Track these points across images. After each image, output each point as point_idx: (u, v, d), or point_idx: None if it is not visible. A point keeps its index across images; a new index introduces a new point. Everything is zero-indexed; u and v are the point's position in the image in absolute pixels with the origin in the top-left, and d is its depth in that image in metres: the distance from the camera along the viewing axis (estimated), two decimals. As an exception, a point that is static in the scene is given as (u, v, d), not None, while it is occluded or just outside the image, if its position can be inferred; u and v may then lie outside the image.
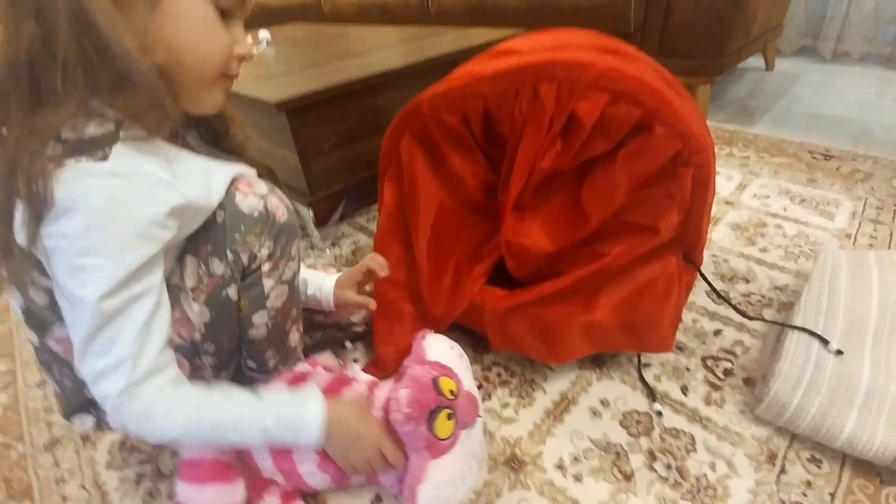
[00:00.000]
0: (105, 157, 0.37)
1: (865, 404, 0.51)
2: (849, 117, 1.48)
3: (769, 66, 1.98)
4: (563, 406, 0.64)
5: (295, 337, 0.58)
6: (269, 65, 1.20)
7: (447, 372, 0.49)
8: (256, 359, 0.56)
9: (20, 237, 0.37)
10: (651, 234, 0.56)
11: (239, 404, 0.46)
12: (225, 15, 0.42)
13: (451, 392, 0.47)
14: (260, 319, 0.52)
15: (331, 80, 0.92)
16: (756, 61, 1.98)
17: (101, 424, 0.52)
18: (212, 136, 0.53)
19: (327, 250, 1.03)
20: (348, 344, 0.77)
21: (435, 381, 0.47)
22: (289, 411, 0.47)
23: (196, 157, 0.46)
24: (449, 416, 0.46)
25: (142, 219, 0.39)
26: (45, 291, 0.43)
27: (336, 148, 0.97)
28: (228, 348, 0.53)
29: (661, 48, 1.49)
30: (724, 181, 1.15)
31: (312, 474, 0.51)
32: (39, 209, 0.35)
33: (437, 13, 1.99)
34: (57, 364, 0.49)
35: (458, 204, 0.68)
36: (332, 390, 0.55)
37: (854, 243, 0.90)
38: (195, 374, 0.52)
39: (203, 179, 0.45)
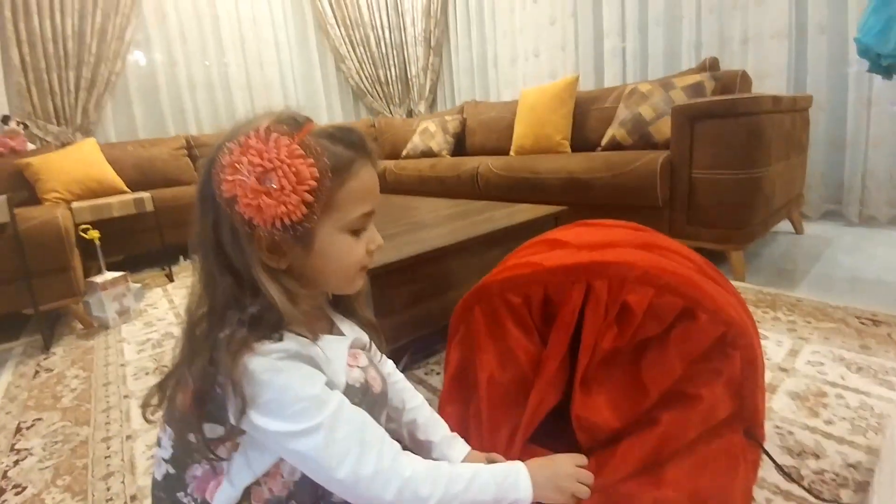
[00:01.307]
0: (281, 339, 0.51)
1: None
2: (889, 280, 1.52)
3: (798, 231, 2.09)
4: None
5: None
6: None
7: None
8: None
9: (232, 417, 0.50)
10: (696, 401, 0.60)
11: (466, 472, 0.55)
12: (357, 231, 0.56)
13: None
14: None
15: (405, 251, 1.09)
16: (787, 225, 2.11)
17: None
18: (336, 299, 0.67)
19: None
20: None
21: None
22: (505, 473, 0.57)
23: (332, 340, 0.59)
24: None
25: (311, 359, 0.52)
26: (204, 436, 0.53)
27: (405, 308, 1.10)
28: None
29: (690, 220, 1.65)
30: (775, 346, 1.17)
31: None
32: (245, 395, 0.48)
33: (484, 186, 2.30)
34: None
35: (506, 379, 0.74)
36: None
37: (925, 418, 0.88)
38: None
39: (338, 364, 0.57)
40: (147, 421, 0.57)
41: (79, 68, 2.90)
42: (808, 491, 0.69)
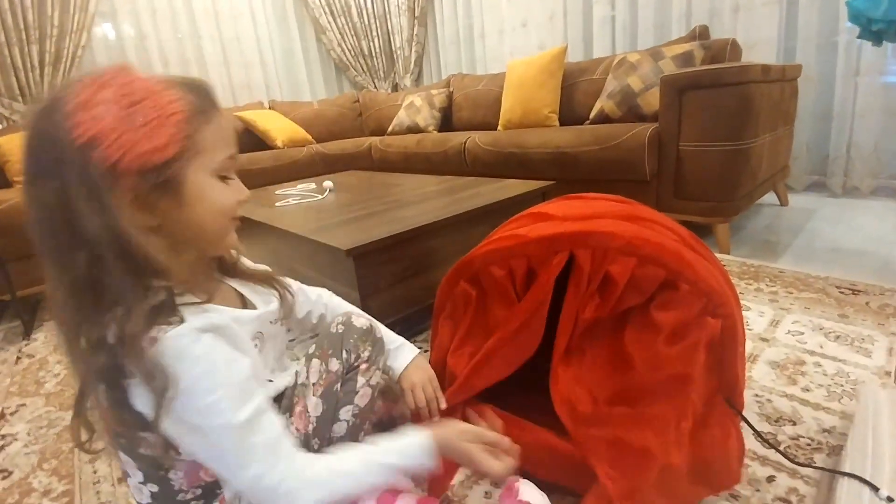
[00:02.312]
0: (182, 321, 0.47)
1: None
2: (870, 251, 1.54)
3: (783, 203, 2.11)
4: (618, 558, 0.62)
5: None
6: (333, 212, 1.39)
7: None
8: None
9: (144, 410, 0.46)
10: (687, 381, 0.61)
11: (362, 455, 0.53)
12: (224, 177, 0.53)
13: None
14: (346, 414, 0.60)
15: (389, 229, 1.07)
16: (771, 198, 2.12)
17: None
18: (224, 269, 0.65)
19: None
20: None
21: None
22: (406, 444, 0.55)
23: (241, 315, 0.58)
24: None
25: (230, 348, 0.50)
26: (154, 444, 0.51)
27: (390, 286, 1.09)
28: (328, 444, 0.59)
29: (677, 193, 1.65)
30: (756, 317, 1.19)
31: None
32: (158, 382, 0.44)
33: (472, 162, 2.28)
34: None
35: (497, 348, 0.75)
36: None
37: (895, 381, 0.90)
38: None
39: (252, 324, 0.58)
40: (91, 452, 0.53)
41: (42, 42, 2.75)
42: (784, 455, 0.71)
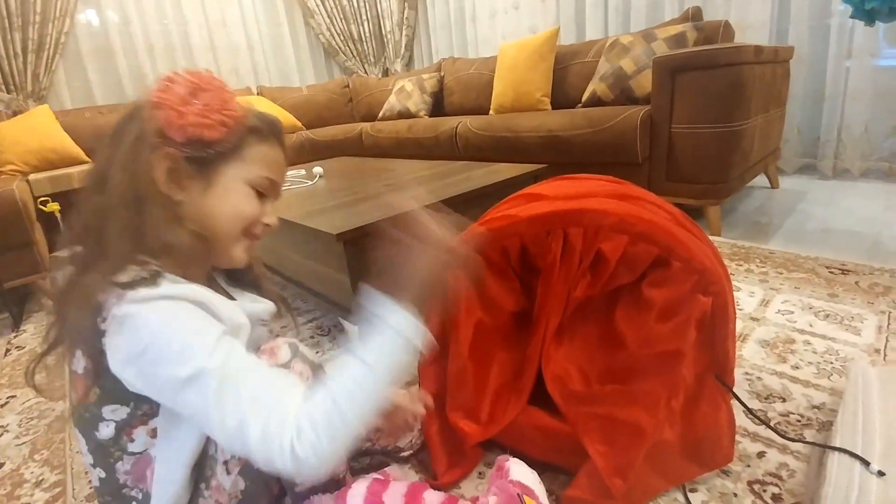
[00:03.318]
0: (157, 284, 0.46)
1: (923, 535, 0.50)
2: (860, 231, 1.55)
3: (774, 185, 2.12)
4: (611, 534, 0.63)
5: (341, 469, 0.62)
6: (323, 198, 1.38)
7: (529, 492, 0.53)
8: (301, 500, 0.59)
9: (115, 369, 0.45)
10: (678, 357, 0.61)
11: (352, 371, 0.46)
12: (260, 195, 0.57)
13: None
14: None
15: (381, 213, 1.06)
16: (762, 180, 2.13)
17: None
18: (235, 276, 0.65)
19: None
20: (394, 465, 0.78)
21: (520, 497, 0.50)
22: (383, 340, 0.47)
23: (225, 300, 0.53)
24: None
25: (200, 303, 0.47)
26: (113, 423, 0.50)
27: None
28: None
29: (669, 176, 1.65)
30: (747, 297, 1.19)
31: None
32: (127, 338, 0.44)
33: (464, 147, 2.26)
34: None
35: (493, 327, 0.75)
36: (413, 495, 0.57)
37: (884, 358, 0.91)
38: None
39: (235, 313, 0.53)
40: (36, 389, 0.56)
41: (24, 29, 2.67)
42: (775, 430, 0.72)
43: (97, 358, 0.46)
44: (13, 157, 2.27)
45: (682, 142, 1.58)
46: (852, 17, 1.28)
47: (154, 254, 0.48)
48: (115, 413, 0.49)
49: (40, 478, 0.88)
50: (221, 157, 0.53)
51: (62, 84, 2.95)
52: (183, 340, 0.44)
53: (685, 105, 1.55)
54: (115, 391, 0.48)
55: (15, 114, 2.59)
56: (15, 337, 1.52)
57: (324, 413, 0.43)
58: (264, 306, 0.63)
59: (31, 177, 2.03)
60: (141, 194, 0.49)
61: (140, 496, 0.53)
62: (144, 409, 0.50)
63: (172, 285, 0.47)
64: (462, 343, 0.73)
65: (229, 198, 0.54)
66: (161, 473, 0.51)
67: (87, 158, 2.47)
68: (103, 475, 0.53)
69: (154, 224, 0.48)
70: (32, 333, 1.53)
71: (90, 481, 0.58)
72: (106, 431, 0.50)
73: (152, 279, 0.46)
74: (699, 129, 1.53)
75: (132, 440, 0.51)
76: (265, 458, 0.42)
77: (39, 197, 1.82)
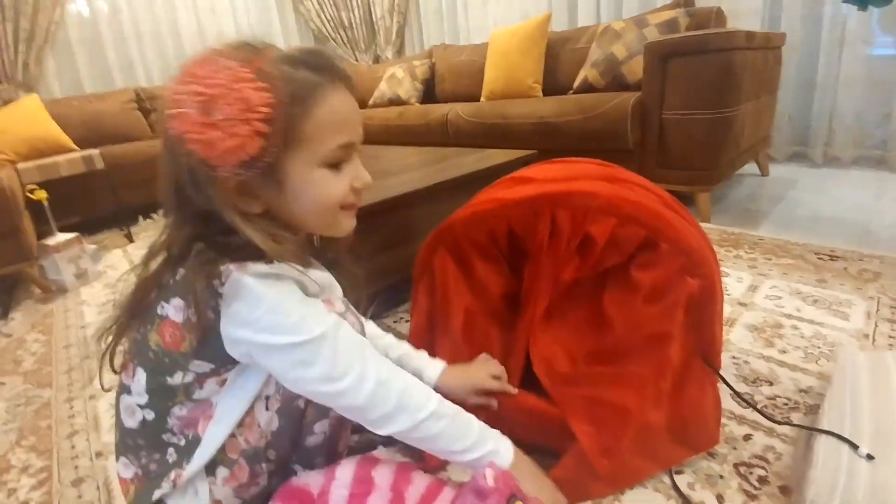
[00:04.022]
0: (270, 262, 0.48)
1: (904, 513, 0.51)
2: (849, 218, 1.56)
3: (764, 172, 2.12)
4: (598, 515, 0.63)
5: (344, 443, 0.62)
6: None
7: None
8: (305, 463, 0.59)
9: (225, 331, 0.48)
10: (666, 340, 0.61)
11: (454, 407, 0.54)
12: (336, 165, 0.52)
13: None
14: (320, 427, 0.57)
15: (370, 197, 1.04)
16: (752, 168, 2.13)
17: None
18: (320, 249, 0.64)
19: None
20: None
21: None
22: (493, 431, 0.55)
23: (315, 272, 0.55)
24: None
25: (300, 282, 0.50)
26: (193, 374, 0.52)
27: (371, 256, 1.07)
28: (286, 456, 0.57)
29: (659, 162, 1.64)
30: (736, 283, 1.20)
31: None
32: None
33: (455, 134, 2.24)
34: (149, 448, 0.54)
35: (483, 310, 0.75)
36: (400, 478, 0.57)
37: (873, 343, 0.92)
38: (252, 480, 0.55)
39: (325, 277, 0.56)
40: (113, 371, 0.54)
41: (16, 19, 2.62)
42: (762, 413, 0.72)
43: (206, 316, 0.47)
44: (2, 145, 2.26)
45: (673, 128, 1.58)
46: (845, 1, 1.27)
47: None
48: (199, 367, 0.51)
49: (26, 464, 0.87)
50: (277, 155, 0.47)
51: (51, 73, 2.91)
52: (295, 313, 0.47)
53: (676, 91, 1.54)
54: (211, 350, 0.49)
55: (5, 103, 2.56)
56: (3, 325, 1.50)
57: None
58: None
59: (20, 165, 2.01)
60: (219, 217, 0.47)
61: (182, 442, 0.54)
62: (228, 367, 0.52)
63: (280, 267, 0.48)
64: (454, 325, 0.73)
65: (306, 192, 0.50)
66: (219, 416, 0.52)
67: (74, 146, 2.44)
68: (151, 417, 0.53)
69: (249, 240, 0.47)
70: (21, 321, 1.52)
71: (120, 422, 0.56)
72: (181, 378, 0.51)
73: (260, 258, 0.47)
74: (690, 115, 1.53)
75: (201, 388, 0.52)
76: (374, 402, 0.49)
77: (27, 185, 1.79)
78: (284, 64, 0.47)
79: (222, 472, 0.54)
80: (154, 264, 0.51)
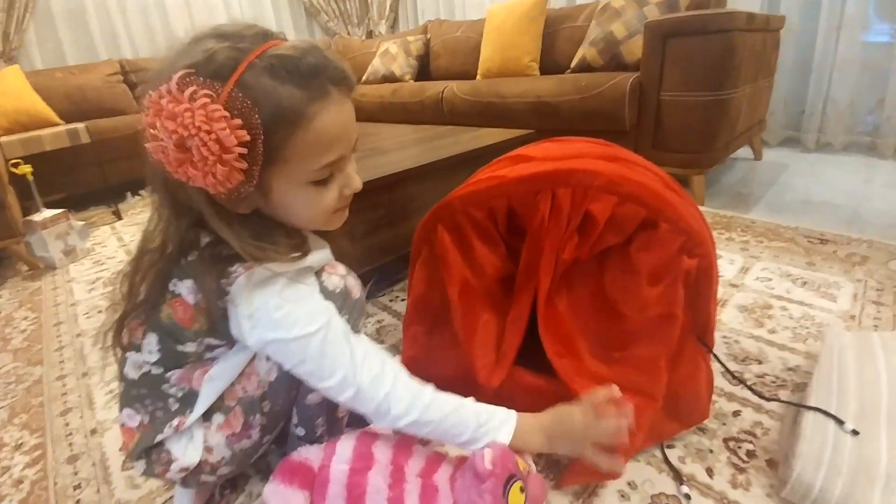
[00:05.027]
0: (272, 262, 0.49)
1: (888, 485, 0.53)
2: (839, 203, 1.58)
3: (757, 157, 2.13)
4: (591, 489, 0.65)
5: (344, 408, 0.63)
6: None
7: (520, 453, 0.54)
8: (306, 425, 0.60)
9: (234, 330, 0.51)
10: (672, 320, 0.61)
11: (447, 403, 0.55)
12: (324, 181, 0.50)
13: (524, 469, 0.52)
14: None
15: (365, 176, 1.02)
16: (746, 152, 2.14)
17: (150, 470, 0.57)
18: None
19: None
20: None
21: (513, 453, 0.51)
22: (490, 414, 0.56)
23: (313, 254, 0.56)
24: (521, 490, 0.49)
25: (304, 278, 0.52)
26: (204, 345, 0.54)
27: (366, 235, 1.07)
28: (281, 411, 0.58)
29: (655, 144, 1.64)
30: (727, 264, 1.21)
31: None
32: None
33: (450, 112, 2.21)
34: (153, 398, 0.56)
35: (479, 288, 0.75)
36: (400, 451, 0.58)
37: (859, 324, 0.94)
38: (244, 431, 0.56)
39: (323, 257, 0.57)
40: (119, 342, 0.55)
41: None
42: (751, 390, 0.74)
43: (216, 311, 0.49)
44: (-20, 117, 2.17)
45: (670, 110, 1.57)
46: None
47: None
48: (212, 342, 0.53)
49: (20, 441, 0.86)
50: (262, 173, 0.45)
51: (33, 44, 2.81)
52: (297, 309, 0.49)
53: (675, 72, 1.53)
54: (224, 332, 0.52)
55: (-16, 75, 2.46)
56: (-12, 303, 1.48)
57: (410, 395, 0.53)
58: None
59: (3, 139, 1.95)
60: (225, 222, 0.48)
61: (180, 394, 0.55)
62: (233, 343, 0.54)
63: (282, 265, 0.50)
64: (451, 293, 0.72)
65: (292, 205, 0.50)
66: (222, 370, 0.54)
67: (58, 120, 2.37)
68: (156, 372, 0.55)
69: (247, 242, 0.48)
70: (8, 298, 1.49)
71: (123, 372, 0.57)
72: (193, 348, 0.53)
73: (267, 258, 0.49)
74: (688, 97, 1.52)
75: (212, 352, 0.55)
76: (355, 404, 0.52)
77: (11, 160, 1.74)
78: (269, 77, 0.42)
79: (218, 418, 0.55)
80: (151, 254, 0.51)
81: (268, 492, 0.55)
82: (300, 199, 0.49)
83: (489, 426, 0.55)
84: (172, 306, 0.51)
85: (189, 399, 0.55)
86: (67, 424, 0.89)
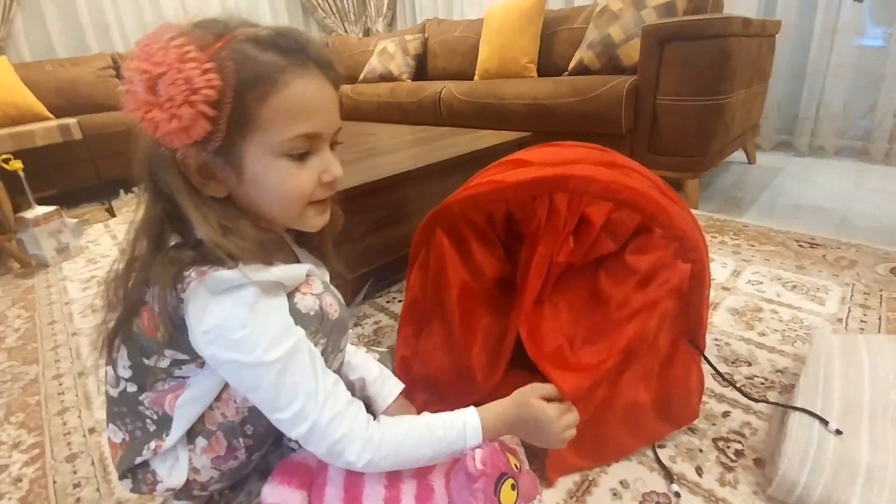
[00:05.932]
0: (234, 267, 0.46)
1: (868, 482, 0.55)
2: (830, 207, 1.61)
3: (751, 161, 2.16)
4: (584, 487, 0.66)
5: None
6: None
7: (512, 450, 0.55)
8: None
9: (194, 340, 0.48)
10: (656, 308, 0.63)
11: (404, 431, 0.53)
12: (300, 157, 0.48)
13: (516, 466, 0.52)
14: None
15: (363, 177, 1.04)
16: (739, 155, 2.16)
17: (137, 489, 0.57)
18: (303, 239, 0.62)
19: (350, 329, 1.09)
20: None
21: (504, 452, 0.52)
22: (448, 427, 0.55)
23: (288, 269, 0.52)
24: (513, 487, 0.50)
25: (271, 293, 0.48)
26: (169, 359, 0.52)
27: (364, 236, 1.07)
28: (265, 433, 0.57)
29: (651, 147, 1.66)
30: (720, 268, 1.23)
31: None
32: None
33: (447, 113, 2.21)
34: (132, 416, 0.56)
35: (478, 290, 0.76)
36: None
37: (846, 327, 0.96)
38: (229, 454, 0.56)
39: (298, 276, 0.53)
40: (110, 356, 0.54)
41: None
42: (740, 391, 0.76)
43: (172, 319, 0.47)
44: (-30, 112, 2.14)
45: (665, 114, 1.59)
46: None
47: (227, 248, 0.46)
48: (174, 355, 0.51)
49: (17, 440, 0.86)
50: (232, 139, 0.44)
51: (20, 34, 2.76)
52: (260, 332, 0.46)
53: (671, 76, 1.54)
54: (185, 343, 0.49)
55: (-29, 65, 2.42)
56: (-20, 300, 1.47)
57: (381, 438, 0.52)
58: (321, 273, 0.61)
59: (-9, 133, 1.92)
60: (193, 201, 0.46)
61: (156, 417, 0.55)
62: (200, 359, 0.51)
63: (241, 274, 0.46)
64: (450, 296, 0.73)
65: (265, 180, 0.47)
66: (193, 395, 0.53)
67: (48, 114, 2.34)
68: (132, 389, 0.54)
69: (213, 226, 0.45)
70: (0, 297, 1.48)
71: (105, 390, 0.58)
72: (155, 362, 0.52)
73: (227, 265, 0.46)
74: (684, 101, 1.53)
75: (180, 369, 0.53)
76: (307, 443, 0.50)
77: (1, 155, 1.72)
78: (251, 44, 0.44)
79: (201, 441, 0.55)
80: (140, 246, 0.50)
81: (266, 492, 0.56)
82: (273, 173, 0.47)
83: (452, 436, 0.54)
84: (141, 314, 0.50)
85: (164, 423, 0.54)
86: (65, 423, 0.89)
